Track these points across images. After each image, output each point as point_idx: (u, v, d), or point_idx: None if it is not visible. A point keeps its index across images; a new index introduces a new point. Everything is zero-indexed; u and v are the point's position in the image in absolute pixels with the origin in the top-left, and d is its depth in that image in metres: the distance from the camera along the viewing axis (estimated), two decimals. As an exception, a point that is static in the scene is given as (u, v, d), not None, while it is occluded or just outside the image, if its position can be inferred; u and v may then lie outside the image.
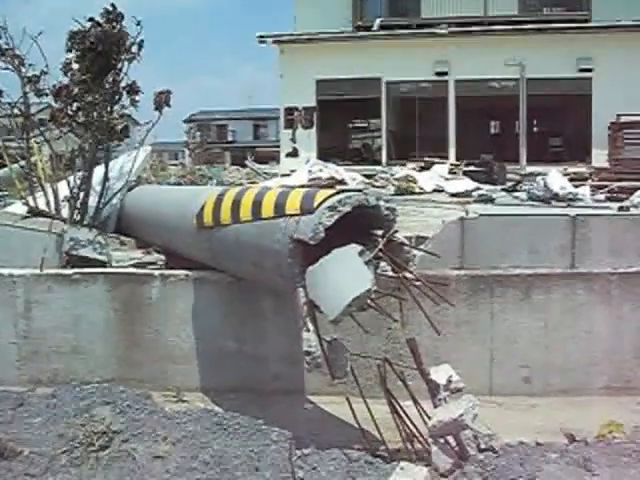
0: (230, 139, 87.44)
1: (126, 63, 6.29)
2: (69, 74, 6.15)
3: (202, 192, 4.90)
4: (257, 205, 3.72)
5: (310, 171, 24.77)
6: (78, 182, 6.11)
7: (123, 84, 6.38)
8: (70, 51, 6.33)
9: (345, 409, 3.60)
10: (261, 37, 30.22)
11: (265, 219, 3.56)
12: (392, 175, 25.61)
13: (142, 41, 6.34)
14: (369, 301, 3.20)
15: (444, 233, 5.06)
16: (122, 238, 5.97)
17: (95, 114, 6.02)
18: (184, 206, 4.79)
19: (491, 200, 17.30)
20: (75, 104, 6.11)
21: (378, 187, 23.50)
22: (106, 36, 5.92)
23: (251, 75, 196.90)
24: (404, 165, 27.30)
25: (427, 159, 26.88)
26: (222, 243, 4.14)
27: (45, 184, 6.29)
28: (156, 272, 4.71)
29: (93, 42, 5.87)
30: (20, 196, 11.79)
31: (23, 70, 6.43)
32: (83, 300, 4.78)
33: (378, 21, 30.91)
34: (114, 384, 4.36)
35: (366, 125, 43.13)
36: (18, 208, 6.49)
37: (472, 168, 25.11)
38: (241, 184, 31.31)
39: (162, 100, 6.52)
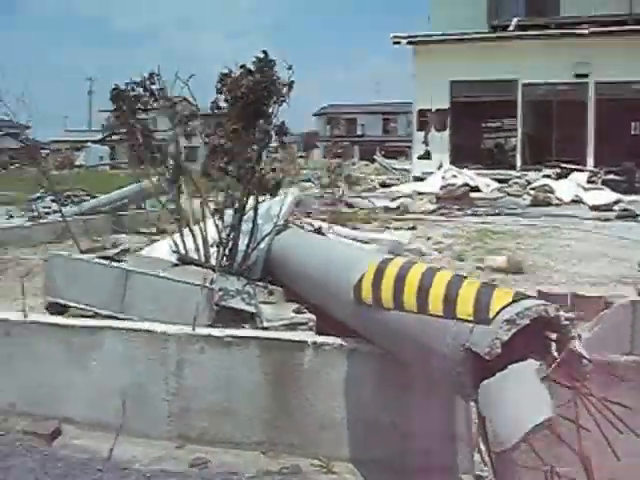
0: (359, 133, 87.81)
1: (276, 106, 6.25)
2: (218, 130, 6.16)
3: (361, 257, 4.77)
4: (423, 294, 3.56)
5: (444, 177, 24.52)
6: (227, 228, 6.10)
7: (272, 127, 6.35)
8: (220, 93, 6.36)
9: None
10: (395, 37, 30.10)
11: (432, 315, 3.41)
12: (527, 182, 25.07)
13: (292, 82, 6.28)
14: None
15: (613, 316, 4.77)
16: (270, 287, 5.91)
17: (247, 166, 5.98)
18: (340, 270, 4.68)
19: (635, 216, 16.61)
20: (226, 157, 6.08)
21: (513, 195, 23.02)
22: (258, 85, 5.89)
23: (380, 67, 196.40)
24: (539, 170, 26.68)
25: (564, 166, 26.12)
26: (381, 326, 4.00)
27: (194, 228, 6.29)
28: (309, 339, 4.62)
29: (244, 92, 5.84)
30: (154, 231, 12.22)
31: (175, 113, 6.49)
32: (234, 363, 4.75)
33: (515, 21, 30.27)
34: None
35: (499, 125, 42.44)
36: (163, 250, 6.55)
37: (612, 177, 24.24)
38: (371, 180, 31.29)
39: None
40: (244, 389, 4.78)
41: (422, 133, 30.13)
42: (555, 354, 3.09)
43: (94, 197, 17.54)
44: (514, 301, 3.08)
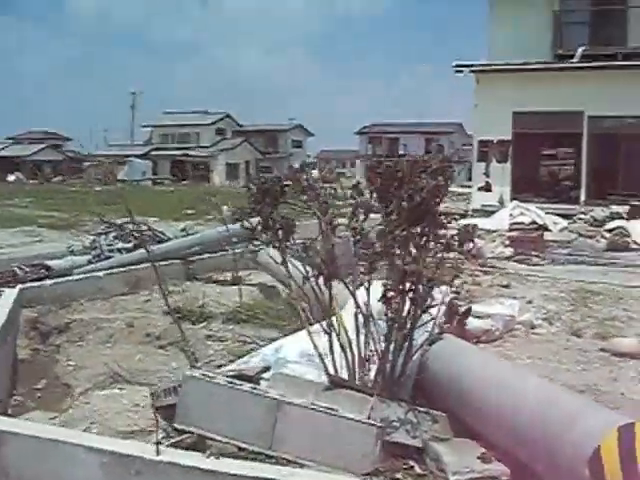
0: (401, 152, 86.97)
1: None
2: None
3: (576, 409, 3.98)
4: None
5: (511, 215, 23.62)
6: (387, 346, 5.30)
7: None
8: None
9: None
10: (458, 67, 29.37)
11: None
12: (594, 219, 24.15)
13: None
14: None
15: None
16: (433, 413, 5.13)
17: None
18: (544, 422, 3.92)
19: None
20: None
21: (584, 236, 22.06)
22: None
23: (422, 86, 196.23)
24: (605, 206, 25.78)
25: (634, 203, 25.23)
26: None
27: (345, 343, 5.51)
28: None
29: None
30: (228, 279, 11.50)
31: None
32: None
33: (580, 50, 29.34)
34: None
35: (553, 153, 41.49)
36: (292, 352, 5.79)
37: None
38: None
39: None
40: None
41: (482, 164, 29.29)
42: None
43: (157, 233, 16.78)
44: None
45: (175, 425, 4.91)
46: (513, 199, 26.99)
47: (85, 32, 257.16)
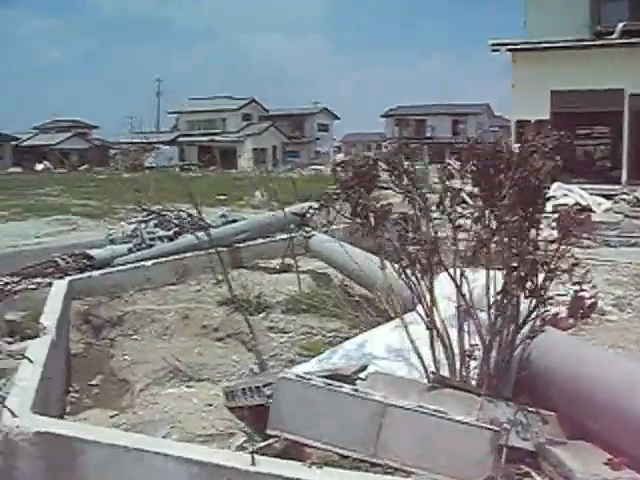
0: (428, 134, 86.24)
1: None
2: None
3: None
4: None
5: (554, 196, 23.03)
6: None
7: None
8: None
9: None
10: (494, 45, 28.74)
11: None
12: (637, 199, 23.54)
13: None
14: None
15: None
16: (542, 413, 4.69)
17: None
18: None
19: None
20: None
21: (630, 217, 21.46)
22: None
23: (448, 67, 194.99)
24: (647, 186, 25.20)
25: (675, 183, 24.60)
26: None
27: (445, 339, 5.06)
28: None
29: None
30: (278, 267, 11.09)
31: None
32: None
33: (620, 26, 28.55)
34: None
35: (589, 132, 40.81)
36: (378, 347, 5.36)
37: None
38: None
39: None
40: None
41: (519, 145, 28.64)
42: None
43: (197, 220, 16.33)
44: None
45: (268, 431, 4.49)
46: (552, 180, 26.39)
47: (104, 23, 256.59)
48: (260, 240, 13.49)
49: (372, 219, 5.10)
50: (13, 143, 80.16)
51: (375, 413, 4.20)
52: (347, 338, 6.88)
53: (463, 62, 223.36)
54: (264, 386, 4.76)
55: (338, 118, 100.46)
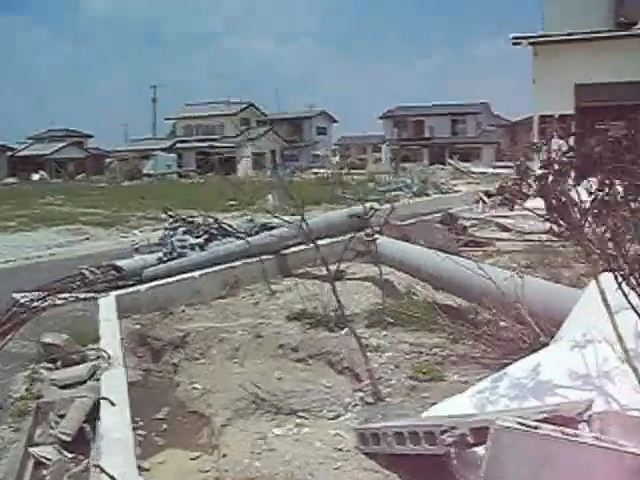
0: (427, 135, 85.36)
1: None
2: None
3: None
4: None
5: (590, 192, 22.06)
6: None
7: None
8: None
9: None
10: (516, 39, 27.74)
11: None
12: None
13: None
14: None
15: None
16: None
17: None
18: None
19: None
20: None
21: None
22: None
23: (444, 65, 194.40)
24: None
25: None
26: None
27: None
28: None
29: None
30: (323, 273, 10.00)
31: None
32: None
33: (645, 16, 27.55)
34: None
35: (606, 128, 39.98)
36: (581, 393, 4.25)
37: None
38: (453, 185, 28.97)
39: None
40: None
41: (542, 141, 27.60)
42: None
43: (225, 227, 15.16)
44: None
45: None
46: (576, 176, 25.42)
47: (100, 30, 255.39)
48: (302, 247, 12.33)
49: (577, 214, 4.06)
50: (8, 153, 79.11)
51: (633, 472, 3.11)
52: (455, 355, 5.88)
53: (462, 61, 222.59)
54: (443, 432, 3.64)
55: (336, 121, 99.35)
